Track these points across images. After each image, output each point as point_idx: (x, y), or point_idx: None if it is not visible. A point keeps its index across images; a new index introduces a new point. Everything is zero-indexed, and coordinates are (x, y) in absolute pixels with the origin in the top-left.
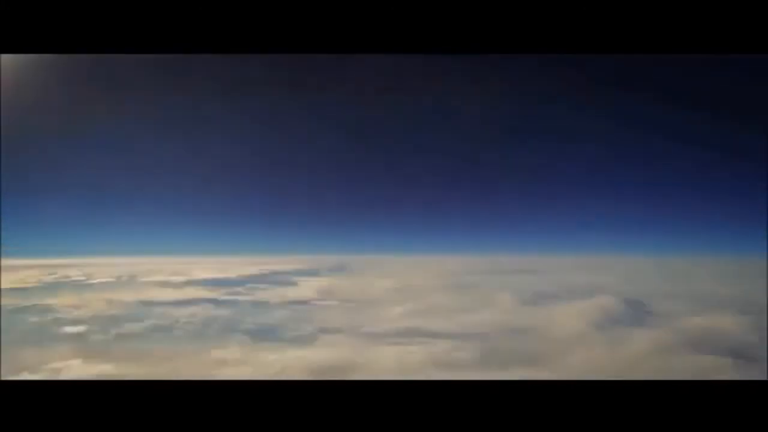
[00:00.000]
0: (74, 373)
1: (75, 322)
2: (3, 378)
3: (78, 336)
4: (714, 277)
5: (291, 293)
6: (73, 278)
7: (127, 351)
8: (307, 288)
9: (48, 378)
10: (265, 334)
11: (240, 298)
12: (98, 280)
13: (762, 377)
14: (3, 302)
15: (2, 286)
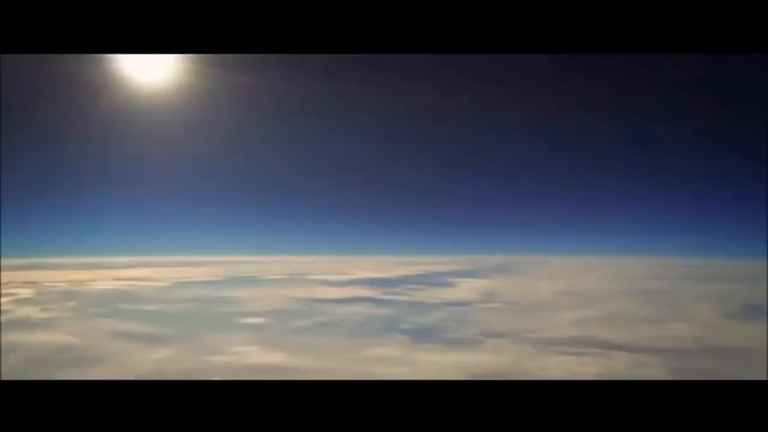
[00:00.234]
0: (252, 359)
1: (254, 314)
2: (3, 378)
3: (256, 326)
4: None
5: (449, 294)
6: (252, 274)
7: (297, 343)
8: (466, 289)
9: (48, 378)
10: (424, 335)
11: (398, 297)
12: (272, 277)
13: (762, 377)
14: (196, 293)
15: (196, 279)
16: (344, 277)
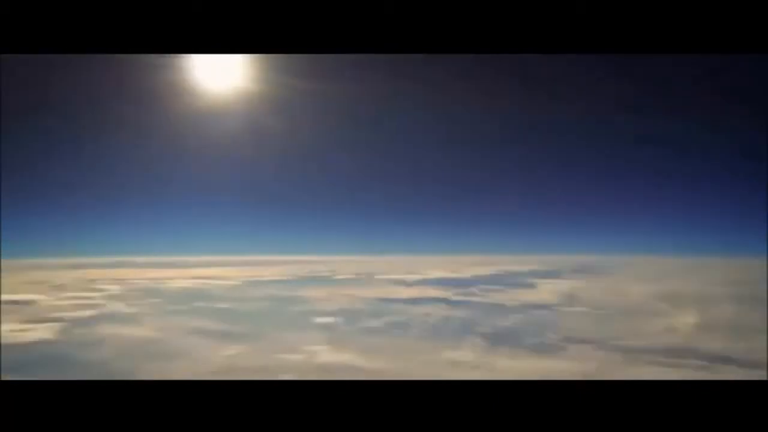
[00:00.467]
0: (323, 358)
1: (324, 313)
2: (3, 378)
3: (327, 326)
4: None
5: (529, 296)
6: (321, 274)
7: (368, 344)
8: (547, 291)
9: (48, 378)
10: (501, 339)
11: (473, 299)
12: (342, 277)
13: (762, 377)
14: (267, 292)
15: (266, 279)
16: (414, 277)
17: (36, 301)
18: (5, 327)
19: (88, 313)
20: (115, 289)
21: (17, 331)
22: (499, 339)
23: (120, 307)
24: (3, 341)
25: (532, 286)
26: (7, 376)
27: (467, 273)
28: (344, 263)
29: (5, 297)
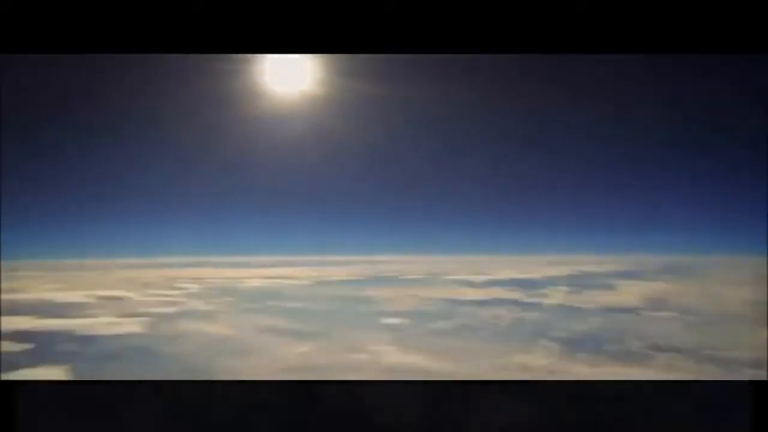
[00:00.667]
0: (390, 359)
1: (393, 314)
2: (3, 378)
3: (395, 326)
4: None
5: (608, 298)
6: (390, 274)
7: (437, 345)
8: (630, 293)
9: (48, 378)
10: (578, 344)
11: (546, 300)
12: (410, 277)
13: (762, 377)
14: (336, 291)
15: (335, 278)
16: (483, 278)
17: (125, 297)
18: (101, 320)
19: (170, 309)
20: (194, 287)
21: (112, 324)
22: (575, 344)
23: (198, 304)
24: (99, 332)
25: (611, 287)
26: (7, 376)
27: (538, 273)
28: (412, 263)
29: (100, 293)
